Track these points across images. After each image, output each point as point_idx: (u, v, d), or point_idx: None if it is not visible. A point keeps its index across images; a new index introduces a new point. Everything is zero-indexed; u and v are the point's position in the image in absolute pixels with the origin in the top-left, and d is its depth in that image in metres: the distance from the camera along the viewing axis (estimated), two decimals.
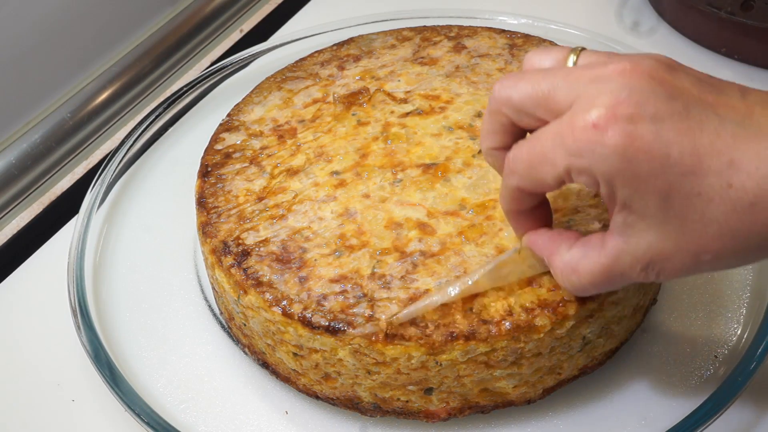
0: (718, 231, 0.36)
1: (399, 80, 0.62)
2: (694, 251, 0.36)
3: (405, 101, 0.60)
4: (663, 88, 0.36)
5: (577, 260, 0.40)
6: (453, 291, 0.46)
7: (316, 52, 0.67)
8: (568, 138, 0.37)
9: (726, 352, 0.53)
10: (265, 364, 0.53)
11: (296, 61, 0.66)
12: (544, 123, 0.39)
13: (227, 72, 0.74)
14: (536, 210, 0.44)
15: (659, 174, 0.35)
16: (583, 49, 0.41)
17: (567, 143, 0.37)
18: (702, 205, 0.35)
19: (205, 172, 0.56)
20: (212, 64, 0.84)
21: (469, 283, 0.46)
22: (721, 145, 0.35)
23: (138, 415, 0.49)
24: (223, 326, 0.56)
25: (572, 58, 0.41)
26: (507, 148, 0.42)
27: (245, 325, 0.51)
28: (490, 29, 0.66)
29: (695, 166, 0.35)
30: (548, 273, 0.46)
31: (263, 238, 0.51)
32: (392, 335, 0.45)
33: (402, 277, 0.48)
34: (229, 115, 0.62)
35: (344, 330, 0.46)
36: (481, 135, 0.43)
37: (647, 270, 0.38)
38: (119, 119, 0.77)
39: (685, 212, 0.36)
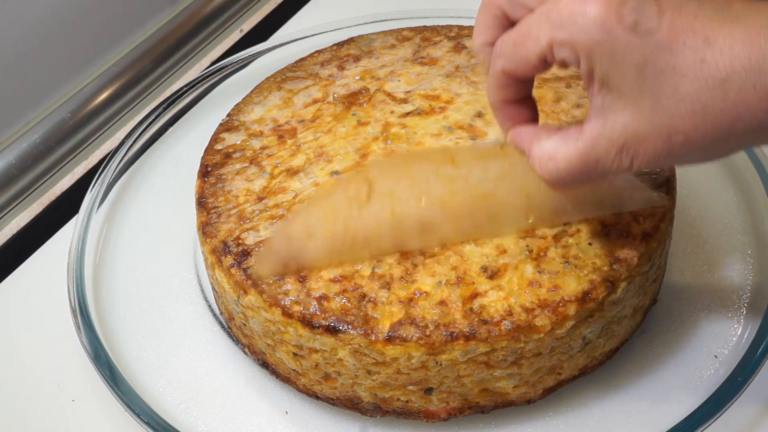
0: (690, 108, 0.37)
1: (399, 80, 0.62)
2: (667, 131, 0.37)
3: (405, 101, 0.60)
4: None
5: (555, 147, 0.41)
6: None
7: (316, 52, 0.67)
8: (552, 12, 0.38)
9: (726, 352, 0.53)
10: (265, 364, 0.53)
11: (296, 61, 0.66)
12: None
13: (227, 72, 0.74)
14: (522, 104, 0.45)
15: (636, 47, 0.37)
16: None
17: (551, 17, 0.38)
18: (676, 79, 0.37)
19: (205, 172, 0.56)
20: (212, 64, 0.83)
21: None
22: (698, 26, 0.37)
23: (138, 415, 0.49)
24: (223, 326, 0.56)
25: None
26: None
27: (245, 325, 0.51)
28: None
29: (671, 41, 0.37)
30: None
31: (263, 238, 0.51)
32: (392, 336, 0.45)
33: (402, 277, 0.48)
34: (229, 115, 0.61)
35: (343, 329, 0.46)
36: (474, 31, 0.44)
37: (622, 154, 0.39)
38: (119, 119, 0.77)
39: (659, 87, 0.37)
